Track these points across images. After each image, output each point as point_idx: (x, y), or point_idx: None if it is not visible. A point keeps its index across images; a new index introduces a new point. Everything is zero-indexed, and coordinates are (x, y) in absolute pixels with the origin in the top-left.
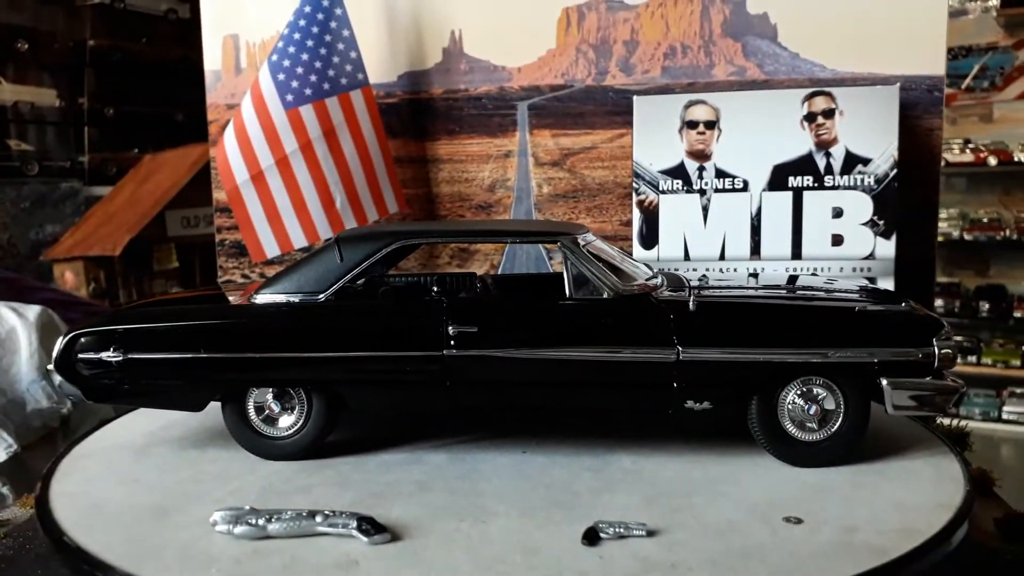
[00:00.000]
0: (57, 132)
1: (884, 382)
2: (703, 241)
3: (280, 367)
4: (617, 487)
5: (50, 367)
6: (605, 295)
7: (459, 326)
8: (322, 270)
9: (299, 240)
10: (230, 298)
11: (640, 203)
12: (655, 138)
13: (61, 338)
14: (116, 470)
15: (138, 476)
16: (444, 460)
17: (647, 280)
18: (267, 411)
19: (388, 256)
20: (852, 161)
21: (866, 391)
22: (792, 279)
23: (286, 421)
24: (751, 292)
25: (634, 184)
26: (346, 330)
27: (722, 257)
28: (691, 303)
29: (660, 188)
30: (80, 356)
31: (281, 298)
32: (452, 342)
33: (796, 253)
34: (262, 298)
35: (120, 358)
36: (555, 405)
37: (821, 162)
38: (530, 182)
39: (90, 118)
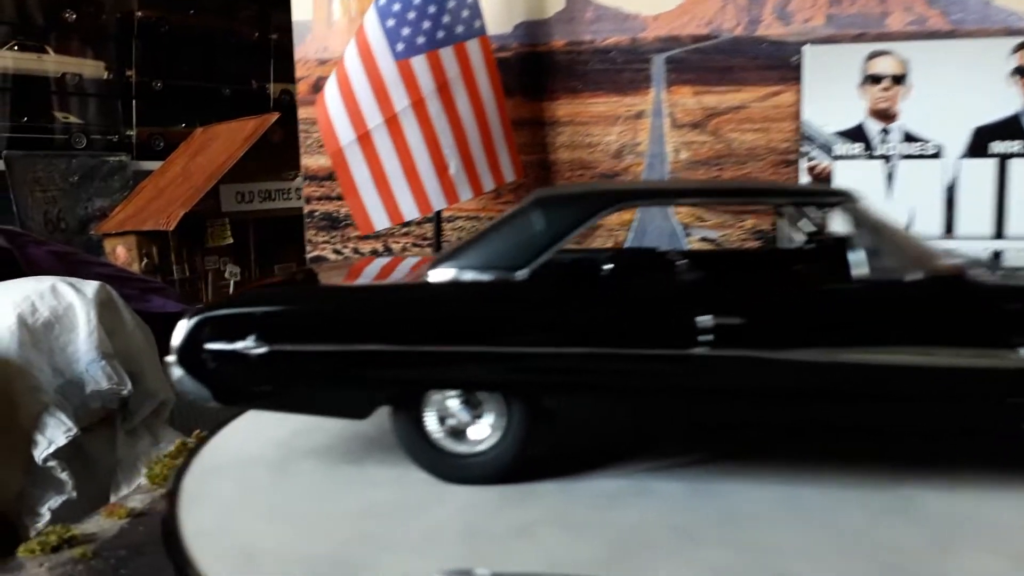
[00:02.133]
0: (104, 105)
1: None
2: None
3: (470, 364)
4: (954, 541)
5: (169, 359)
6: (907, 276)
7: (717, 316)
8: (519, 239)
9: (410, 211)
10: (400, 275)
11: (810, 170)
12: (829, 95)
13: (184, 321)
14: (257, 498)
15: (288, 507)
16: (682, 491)
17: (953, 260)
18: (452, 421)
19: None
20: None
21: None
22: None
23: (477, 434)
24: None
25: (803, 148)
26: (557, 318)
27: None
28: None
29: (834, 153)
30: (208, 346)
31: (467, 275)
32: (704, 337)
33: (999, 231)
34: (439, 275)
35: (263, 350)
36: (840, 422)
37: None
38: (664, 147)
39: (138, 91)
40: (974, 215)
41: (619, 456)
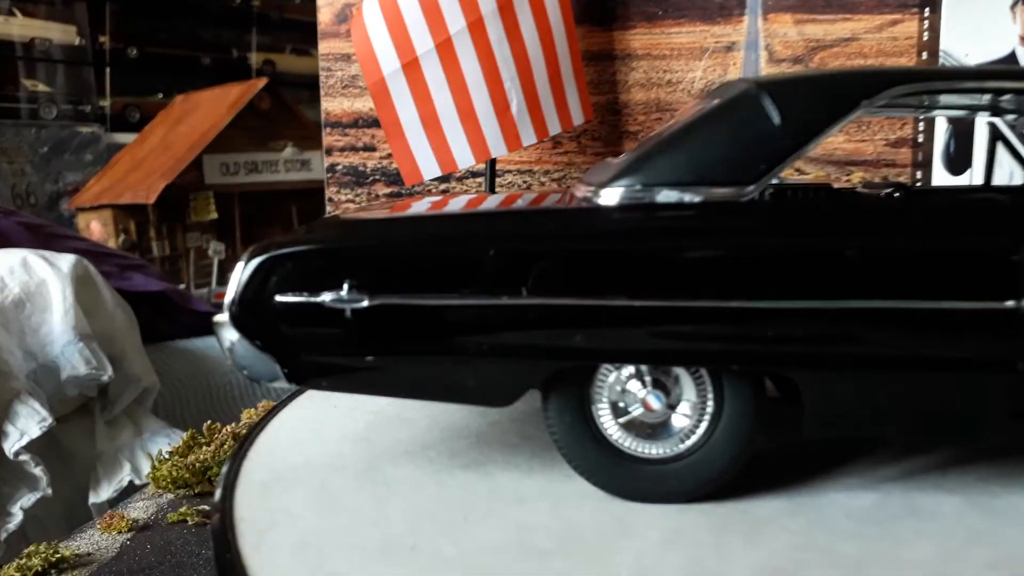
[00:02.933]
0: (76, 73)
1: None
2: None
3: (666, 325)
4: None
5: (219, 318)
6: None
7: None
8: (742, 140)
9: (465, 158)
10: (554, 199)
11: None
12: (974, 19)
13: (241, 264)
14: (356, 523)
15: (408, 538)
16: (964, 509)
17: None
18: (634, 411)
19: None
20: None
21: None
22: None
23: (676, 427)
24: None
25: None
26: (812, 257)
27: None
28: None
29: None
30: (280, 299)
31: (662, 195)
32: None
33: None
34: (613, 195)
35: (362, 304)
36: None
37: None
38: None
39: (112, 59)
40: None
41: (839, 456)
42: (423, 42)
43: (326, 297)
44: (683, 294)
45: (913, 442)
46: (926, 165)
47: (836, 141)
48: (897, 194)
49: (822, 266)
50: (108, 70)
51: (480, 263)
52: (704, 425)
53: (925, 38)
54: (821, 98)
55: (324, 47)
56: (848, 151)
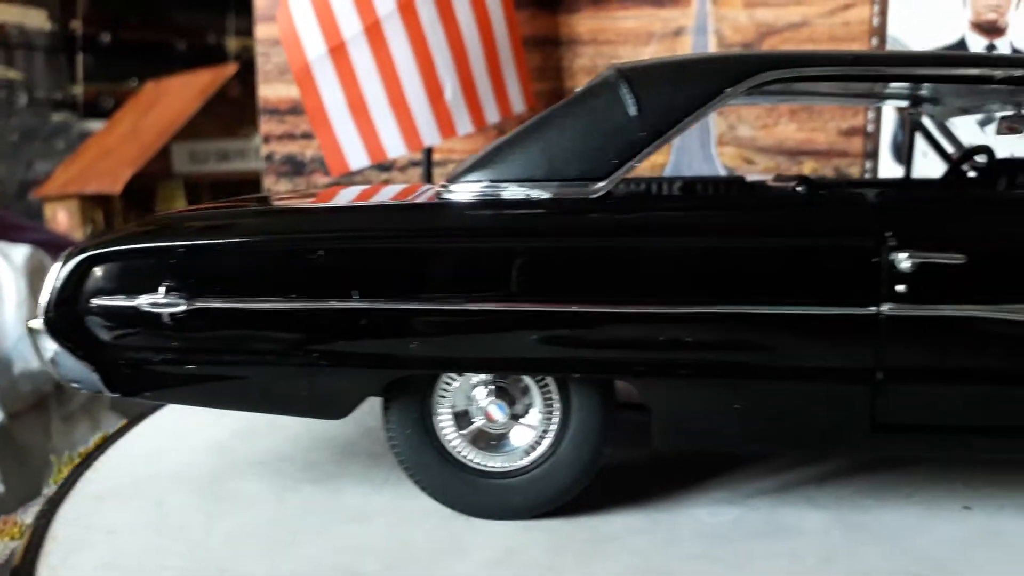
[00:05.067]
0: (48, 59)
1: None
2: None
3: (511, 331)
4: None
5: (34, 323)
6: None
7: (922, 253)
8: (596, 132)
9: (395, 146)
10: (396, 197)
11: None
12: (923, 5)
13: (57, 266)
14: (175, 540)
15: (219, 556)
16: (829, 524)
17: None
18: (477, 421)
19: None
20: None
21: None
22: None
23: (520, 439)
24: None
25: None
26: (664, 257)
27: None
28: None
29: None
30: (95, 303)
31: (510, 192)
32: (899, 288)
33: None
34: (463, 191)
35: (182, 307)
36: None
37: None
38: None
39: (84, 44)
40: None
41: (714, 466)
42: (350, 25)
43: (142, 301)
44: (521, 298)
45: (790, 453)
46: (876, 155)
47: (787, 130)
48: (800, 188)
49: (663, 268)
50: (81, 56)
51: (307, 263)
52: (549, 437)
53: (875, 23)
54: (680, 86)
55: (261, 32)
56: (799, 140)
